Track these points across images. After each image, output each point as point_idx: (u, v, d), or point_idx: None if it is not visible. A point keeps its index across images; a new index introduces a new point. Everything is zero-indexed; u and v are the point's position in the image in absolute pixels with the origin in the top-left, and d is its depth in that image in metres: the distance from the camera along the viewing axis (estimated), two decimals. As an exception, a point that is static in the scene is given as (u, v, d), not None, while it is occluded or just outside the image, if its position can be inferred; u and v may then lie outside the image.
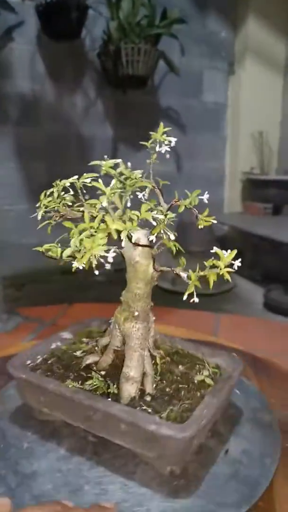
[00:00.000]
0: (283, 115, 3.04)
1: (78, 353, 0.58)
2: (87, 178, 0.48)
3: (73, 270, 0.43)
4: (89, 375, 0.53)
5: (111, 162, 0.50)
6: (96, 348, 0.58)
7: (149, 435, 0.42)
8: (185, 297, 0.47)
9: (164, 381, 0.52)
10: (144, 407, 0.47)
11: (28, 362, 0.56)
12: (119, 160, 0.51)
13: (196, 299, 0.46)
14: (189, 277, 0.47)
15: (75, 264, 0.42)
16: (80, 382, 0.52)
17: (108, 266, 0.45)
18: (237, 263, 0.46)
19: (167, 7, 2.29)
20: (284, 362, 0.77)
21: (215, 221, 0.51)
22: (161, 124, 0.50)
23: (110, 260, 0.43)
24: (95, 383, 0.51)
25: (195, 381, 0.52)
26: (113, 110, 2.62)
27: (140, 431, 0.43)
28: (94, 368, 0.55)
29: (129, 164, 0.52)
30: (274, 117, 3.04)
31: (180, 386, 0.51)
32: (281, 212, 2.86)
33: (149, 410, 0.47)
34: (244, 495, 0.43)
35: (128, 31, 2.21)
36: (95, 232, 0.43)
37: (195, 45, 2.74)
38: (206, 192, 0.49)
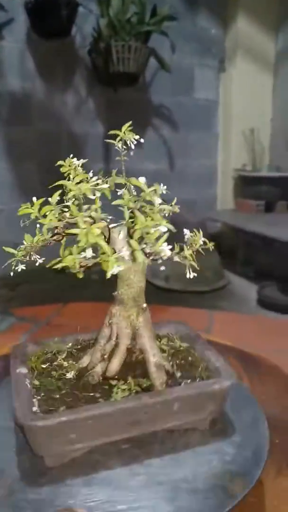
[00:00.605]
0: (273, 112, 3.05)
1: (69, 375, 0.53)
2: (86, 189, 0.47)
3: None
4: (105, 386, 0.51)
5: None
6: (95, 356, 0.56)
7: (207, 396, 0.49)
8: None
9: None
10: (183, 382, 0.51)
11: (35, 409, 0.47)
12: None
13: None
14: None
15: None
16: (102, 395, 0.49)
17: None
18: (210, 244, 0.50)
19: (157, 4, 2.29)
20: (277, 358, 0.77)
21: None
22: (127, 124, 0.50)
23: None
24: (123, 387, 0.50)
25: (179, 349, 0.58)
26: (104, 107, 2.61)
27: (197, 399, 0.48)
28: (106, 375, 0.52)
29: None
30: (265, 114, 3.05)
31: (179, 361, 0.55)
32: (274, 209, 2.87)
33: (189, 381, 0.51)
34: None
35: (118, 29, 2.20)
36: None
37: (185, 42, 2.74)
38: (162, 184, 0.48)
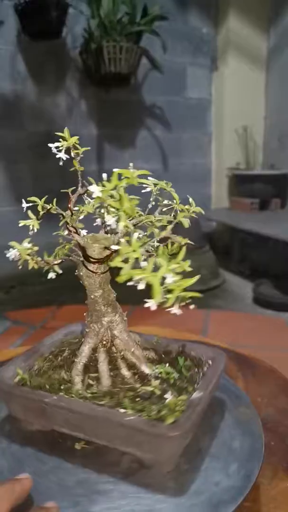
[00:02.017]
0: (266, 110, 3.06)
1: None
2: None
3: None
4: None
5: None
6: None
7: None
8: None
9: None
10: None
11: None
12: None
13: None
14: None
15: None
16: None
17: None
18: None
19: (147, 4, 2.28)
20: (273, 356, 0.77)
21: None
22: (66, 129, 0.51)
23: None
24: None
25: None
26: (96, 109, 2.60)
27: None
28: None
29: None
30: (258, 112, 3.05)
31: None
32: (268, 206, 2.87)
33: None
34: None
35: (109, 29, 2.19)
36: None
37: (177, 42, 2.73)
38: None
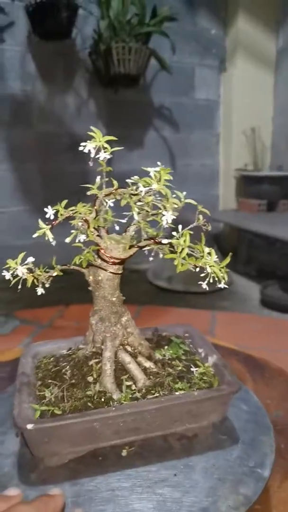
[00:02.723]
0: (275, 111, 3.05)
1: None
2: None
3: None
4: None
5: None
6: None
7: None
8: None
9: None
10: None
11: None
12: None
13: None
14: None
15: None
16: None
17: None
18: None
19: (157, 5, 2.28)
20: (281, 358, 0.77)
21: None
22: (97, 130, 0.50)
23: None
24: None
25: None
26: (105, 109, 2.61)
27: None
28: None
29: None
30: (266, 113, 3.04)
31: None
32: (276, 208, 2.86)
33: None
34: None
35: (118, 30, 2.20)
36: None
37: (186, 43, 2.73)
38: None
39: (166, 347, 0.60)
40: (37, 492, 0.43)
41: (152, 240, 0.48)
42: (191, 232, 0.48)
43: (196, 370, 0.53)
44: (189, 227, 0.48)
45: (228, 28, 2.89)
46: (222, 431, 0.52)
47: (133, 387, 0.52)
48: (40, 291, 0.51)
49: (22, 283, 0.48)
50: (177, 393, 0.49)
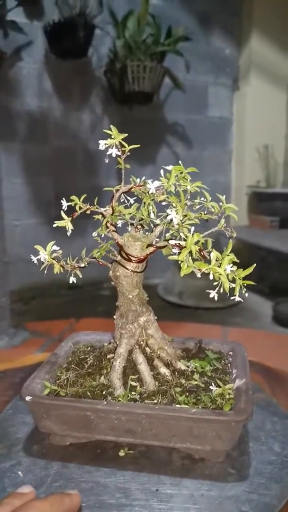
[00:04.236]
0: (287, 129, 3.06)
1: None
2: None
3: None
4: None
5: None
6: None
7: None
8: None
9: None
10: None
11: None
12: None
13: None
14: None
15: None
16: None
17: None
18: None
19: (172, 25, 2.34)
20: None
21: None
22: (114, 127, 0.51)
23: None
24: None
25: None
26: (119, 126, 2.64)
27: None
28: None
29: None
30: (279, 131, 3.06)
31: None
32: (288, 225, 2.85)
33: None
34: None
35: (134, 49, 2.25)
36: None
37: (200, 62, 2.78)
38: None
39: (197, 359, 0.58)
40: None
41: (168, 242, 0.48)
42: (208, 239, 0.48)
43: (215, 390, 0.50)
44: (208, 232, 0.48)
45: (242, 47, 2.94)
46: (235, 465, 0.47)
47: (138, 388, 0.51)
48: (72, 279, 0.54)
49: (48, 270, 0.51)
50: (177, 405, 0.48)
